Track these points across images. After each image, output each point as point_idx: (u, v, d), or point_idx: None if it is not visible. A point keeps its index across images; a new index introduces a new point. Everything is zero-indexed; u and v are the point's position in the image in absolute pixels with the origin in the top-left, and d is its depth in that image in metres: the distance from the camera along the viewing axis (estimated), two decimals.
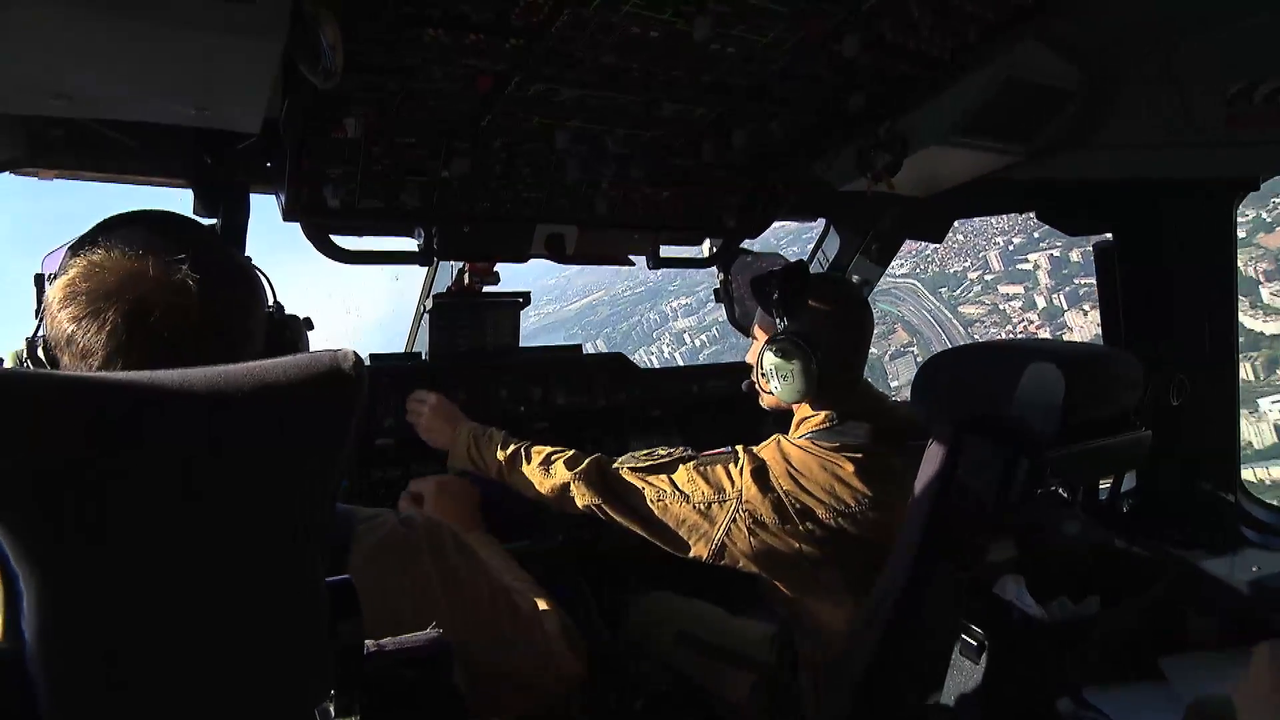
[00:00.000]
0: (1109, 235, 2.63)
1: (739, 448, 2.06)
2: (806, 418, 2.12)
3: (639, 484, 2.03)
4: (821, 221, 3.33)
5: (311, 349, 1.12)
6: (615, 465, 2.08)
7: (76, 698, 0.71)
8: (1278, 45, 1.66)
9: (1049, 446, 1.66)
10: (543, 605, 1.56)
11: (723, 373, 3.40)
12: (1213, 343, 2.47)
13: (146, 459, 0.71)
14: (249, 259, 1.28)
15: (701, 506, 1.97)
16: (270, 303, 1.28)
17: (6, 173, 1.84)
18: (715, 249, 3.02)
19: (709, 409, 3.33)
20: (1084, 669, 1.81)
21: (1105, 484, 2.30)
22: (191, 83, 1.38)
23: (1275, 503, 2.54)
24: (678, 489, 1.99)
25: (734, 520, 1.95)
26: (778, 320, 2.09)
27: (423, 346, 2.78)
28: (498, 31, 1.59)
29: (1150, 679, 1.93)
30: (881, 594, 1.84)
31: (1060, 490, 1.92)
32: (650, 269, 2.88)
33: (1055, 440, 1.65)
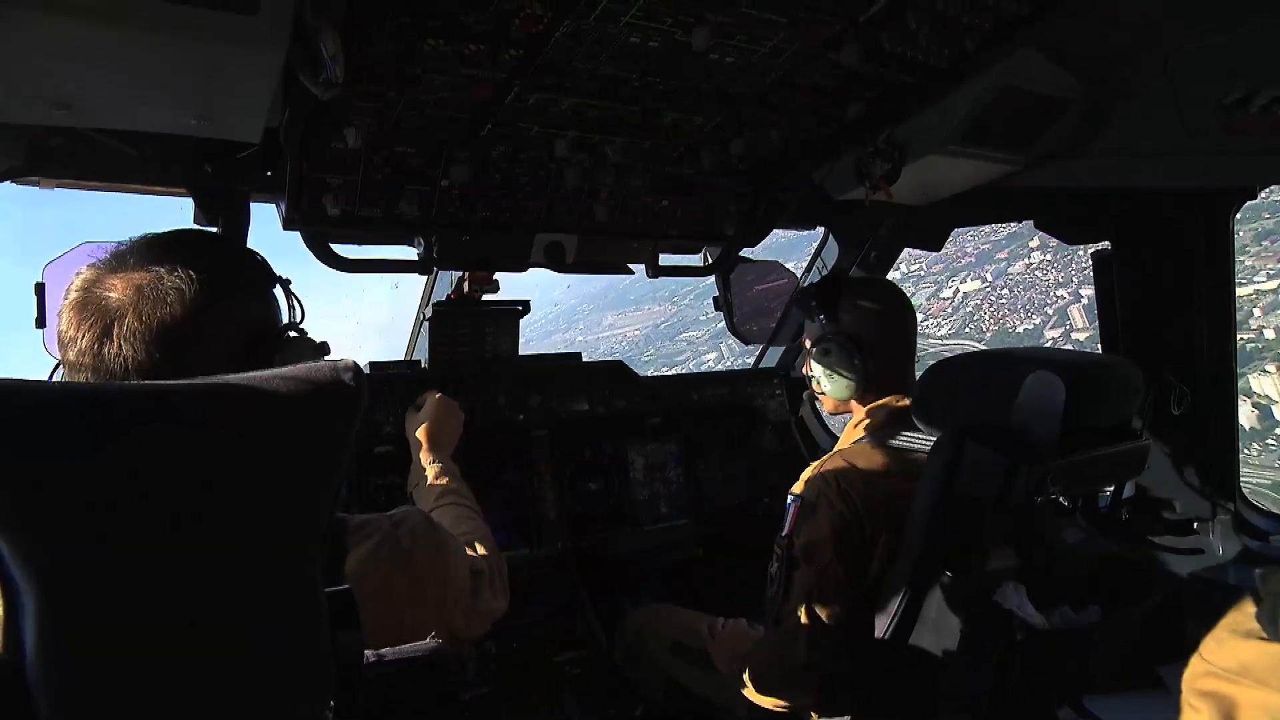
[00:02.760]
0: (1107, 244, 2.63)
1: (792, 502, 1.98)
2: (865, 418, 2.13)
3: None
4: (820, 230, 3.35)
5: None
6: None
7: (76, 709, 0.71)
8: (1273, 55, 1.66)
9: (1050, 455, 1.66)
10: (481, 550, 1.63)
11: (723, 380, 3.41)
12: (1211, 351, 2.47)
13: (146, 469, 0.71)
14: (279, 279, 1.27)
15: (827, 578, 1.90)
16: (286, 320, 1.27)
17: (7, 181, 1.84)
18: (713, 258, 3.02)
19: (708, 416, 3.33)
20: (1085, 677, 1.80)
21: (1105, 492, 2.30)
22: (193, 93, 1.38)
23: (1275, 510, 2.53)
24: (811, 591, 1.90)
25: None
26: (822, 323, 2.16)
27: (422, 354, 2.79)
28: (497, 42, 1.60)
29: (1151, 687, 1.92)
30: (882, 602, 1.84)
31: (1060, 498, 1.92)
32: (649, 277, 2.88)
33: (1056, 448, 1.66)
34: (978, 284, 52.71)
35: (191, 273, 1.06)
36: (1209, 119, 1.84)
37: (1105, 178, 2.23)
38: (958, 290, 52.77)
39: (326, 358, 1.33)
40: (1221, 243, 2.39)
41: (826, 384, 2.18)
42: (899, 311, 2.18)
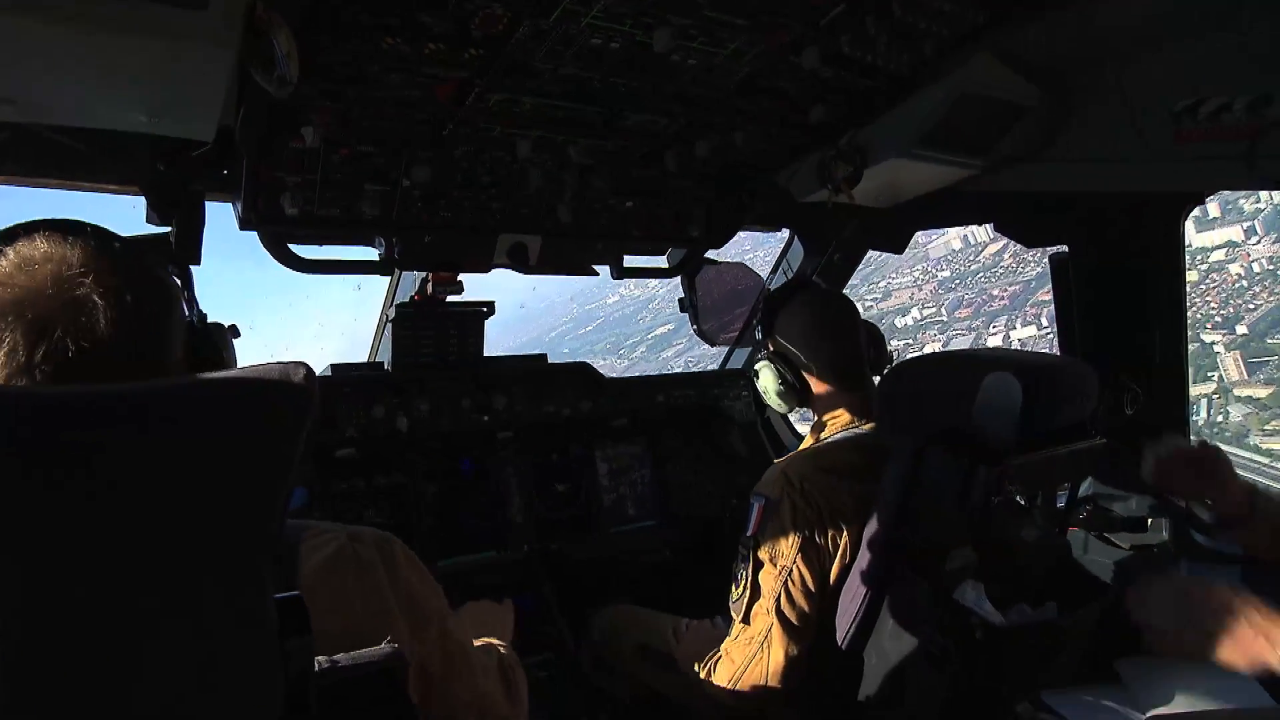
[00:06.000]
0: (1064, 247, 2.69)
1: (756, 502, 1.99)
2: (832, 418, 2.15)
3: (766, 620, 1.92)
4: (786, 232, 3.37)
5: (268, 359, 1.06)
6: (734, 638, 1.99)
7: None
8: (1220, 65, 1.71)
9: (1007, 454, 1.69)
10: (501, 650, 1.57)
11: (690, 382, 3.41)
12: (1163, 352, 2.53)
13: (85, 477, 0.69)
14: (163, 265, 1.14)
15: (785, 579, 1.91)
16: (189, 312, 1.16)
17: None
18: (678, 259, 3.03)
19: (676, 419, 3.33)
20: (1042, 673, 1.83)
21: (1062, 490, 2.34)
22: (143, 90, 1.35)
23: None
24: (774, 589, 1.91)
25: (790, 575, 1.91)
26: (764, 340, 2.24)
27: (385, 356, 2.76)
28: (457, 41, 1.58)
29: (1106, 681, 1.96)
30: (845, 601, 1.86)
31: (1018, 497, 1.95)
32: (614, 279, 2.88)
33: (1013, 448, 1.68)
34: (1032, 329, 46.46)
35: (117, 283, 0.94)
36: (1160, 127, 1.88)
37: (1062, 182, 2.27)
38: (1007, 337, 47.27)
39: (281, 361, 1.29)
40: (1172, 246, 2.45)
41: (769, 397, 2.24)
42: (829, 327, 2.17)
